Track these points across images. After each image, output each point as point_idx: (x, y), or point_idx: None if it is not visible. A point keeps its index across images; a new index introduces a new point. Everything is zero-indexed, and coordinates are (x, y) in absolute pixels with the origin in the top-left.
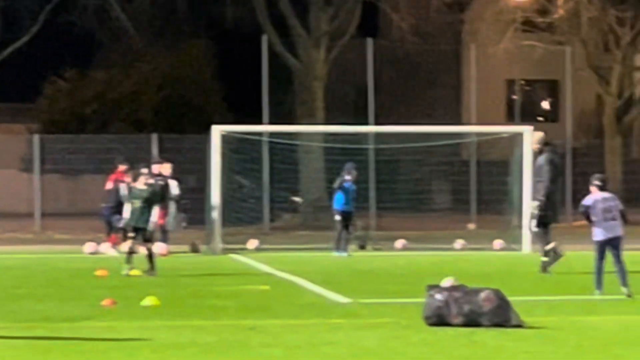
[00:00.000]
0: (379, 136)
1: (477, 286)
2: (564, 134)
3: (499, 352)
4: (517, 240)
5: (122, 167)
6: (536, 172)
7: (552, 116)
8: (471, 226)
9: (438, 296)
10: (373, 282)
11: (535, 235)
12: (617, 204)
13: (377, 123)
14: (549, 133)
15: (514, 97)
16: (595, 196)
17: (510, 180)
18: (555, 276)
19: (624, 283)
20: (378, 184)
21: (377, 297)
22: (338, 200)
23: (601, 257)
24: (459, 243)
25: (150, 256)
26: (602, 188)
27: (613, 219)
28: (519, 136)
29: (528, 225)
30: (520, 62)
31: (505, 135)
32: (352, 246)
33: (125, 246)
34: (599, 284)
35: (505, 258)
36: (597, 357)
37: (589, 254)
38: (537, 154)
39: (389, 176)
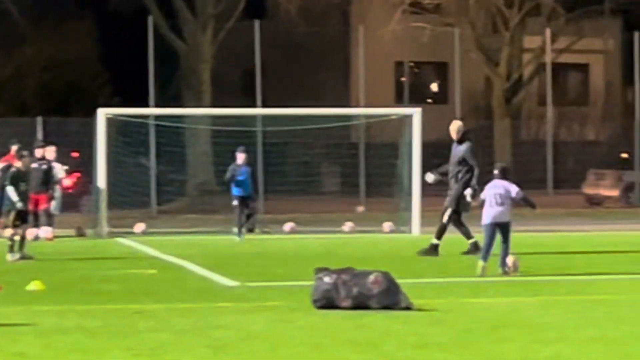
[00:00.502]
0: (266, 119)
1: (366, 269)
2: (453, 116)
3: (388, 335)
4: (406, 222)
5: (13, 149)
6: (456, 161)
7: (441, 98)
8: (360, 209)
9: (326, 279)
10: (261, 266)
11: (451, 224)
12: (509, 192)
13: (264, 105)
14: (438, 115)
15: (403, 79)
16: (491, 183)
17: (400, 162)
18: (444, 258)
19: (502, 264)
20: (266, 167)
21: (265, 280)
22: (234, 189)
23: (489, 238)
24: (347, 226)
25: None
26: (499, 176)
27: (500, 204)
28: (407, 118)
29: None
30: (409, 44)
31: (394, 117)
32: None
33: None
34: (485, 255)
35: (394, 241)
36: (486, 339)
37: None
38: (457, 142)
39: (277, 159)
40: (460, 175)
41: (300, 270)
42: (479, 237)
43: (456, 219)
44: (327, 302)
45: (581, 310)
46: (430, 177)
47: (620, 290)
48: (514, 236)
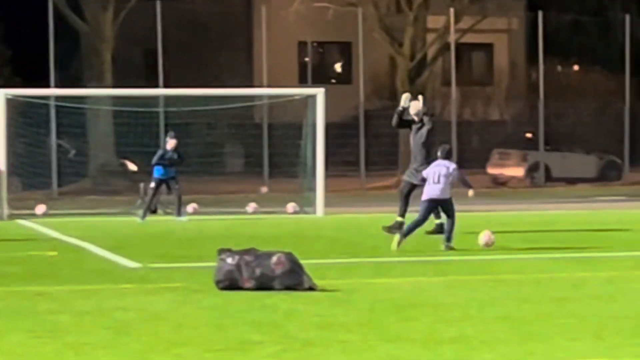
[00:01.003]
0: (169, 99)
1: (269, 250)
2: (357, 96)
3: (291, 316)
4: (310, 203)
5: None
6: (417, 141)
7: (345, 78)
8: (264, 190)
9: (229, 260)
10: (164, 247)
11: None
12: (447, 171)
13: (167, 86)
14: (342, 95)
15: (307, 59)
16: (434, 162)
17: (303, 143)
18: (349, 238)
19: (447, 239)
20: None
21: (168, 261)
22: (157, 170)
23: (422, 215)
24: (251, 207)
25: None
26: (442, 156)
27: (438, 182)
28: (311, 98)
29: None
30: (312, 24)
31: (297, 97)
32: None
33: None
34: (408, 231)
35: (298, 221)
36: (390, 319)
37: (382, 217)
38: (418, 123)
39: (179, 139)
40: (418, 157)
41: (203, 251)
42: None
43: (407, 193)
44: (230, 283)
45: (485, 289)
46: (404, 99)
47: (523, 270)
48: (412, 216)
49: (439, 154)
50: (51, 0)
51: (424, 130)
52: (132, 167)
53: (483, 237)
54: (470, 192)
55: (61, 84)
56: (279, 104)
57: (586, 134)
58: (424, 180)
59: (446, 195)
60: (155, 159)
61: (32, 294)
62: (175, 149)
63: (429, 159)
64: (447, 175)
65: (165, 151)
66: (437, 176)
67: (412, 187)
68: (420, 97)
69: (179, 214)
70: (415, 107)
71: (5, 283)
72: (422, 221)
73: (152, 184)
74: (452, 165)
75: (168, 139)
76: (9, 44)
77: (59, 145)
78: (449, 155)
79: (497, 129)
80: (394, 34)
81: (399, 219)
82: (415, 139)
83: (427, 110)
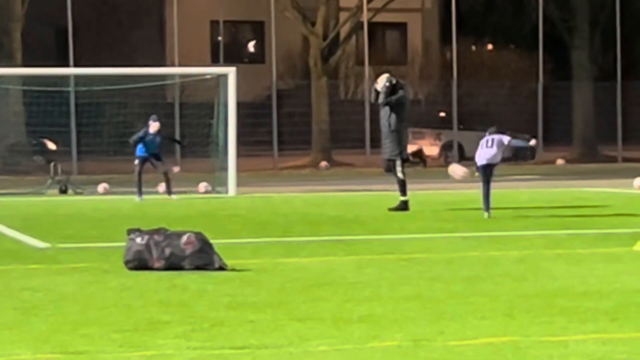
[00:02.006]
0: (80, 79)
1: (180, 229)
2: (270, 76)
3: (201, 296)
4: (223, 183)
5: None
6: (383, 115)
7: (258, 58)
8: (176, 169)
9: (138, 240)
10: (73, 227)
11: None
12: (500, 140)
13: (78, 65)
14: (255, 75)
15: (219, 38)
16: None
17: (215, 122)
18: (261, 218)
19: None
20: (79, 127)
21: (77, 242)
22: (139, 149)
23: (485, 179)
24: (162, 187)
25: None
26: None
27: (490, 147)
28: (223, 78)
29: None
30: (224, 3)
31: (209, 77)
32: (55, 191)
33: None
34: (487, 205)
35: (210, 201)
36: (299, 298)
37: (295, 196)
38: (387, 94)
39: (91, 119)
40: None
41: (114, 231)
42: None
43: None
44: (139, 263)
45: (396, 269)
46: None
47: (435, 249)
48: (327, 196)
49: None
50: None
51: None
52: (51, 146)
53: (456, 170)
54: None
55: None
56: (191, 83)
57: (500, 113)
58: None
59: (497, 160)
60: (134, 139)
61: None
62: (158, 132)
63: (398, 130)
64: (500, 142)
65: (147, 134)
66: (490, 142)
67: (390, 162)
68: (386, 74)
69: (169, 192)
70: (380, 81)
71: None
72: (487, 185)
73: (136, 161)
74: (507, 138)
75: (151, 122)
76: None
77: None
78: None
79: (411, 108)
80: (306, 13)
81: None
82: (381, 113)
83: (393, 85)
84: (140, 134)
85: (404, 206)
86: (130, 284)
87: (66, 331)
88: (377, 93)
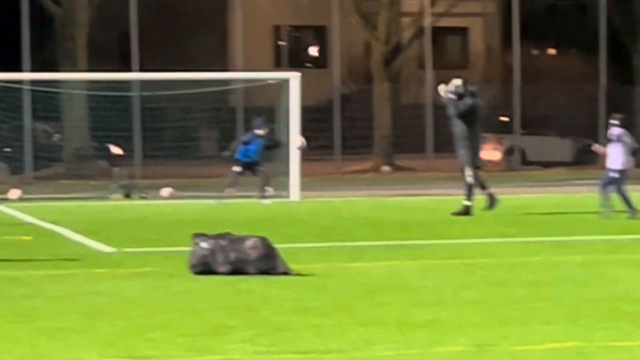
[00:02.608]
0: (144, 83)
1: (244, 234)
2: (332, 81)
3: (266, 300)
4: (285, 187)
5: None
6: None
7: (320, 63)
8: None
9: (204, 244)
10: (138, 231)
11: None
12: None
13: (142, 70)
14: (317, 80)
15: (282, 43)
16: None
17: (278, 127)
18: (324, 223)
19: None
20: (144, 132)
21: (142, 246)
22: (240, 153)
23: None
24: (226, 191)
25: None
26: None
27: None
28: (286, 83)
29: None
30: (287, 7)
31: (272, 81)
32: (119, 195)
33: None
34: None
35: (273, 205)
36: (363, 302)
37: (357, 201)
38: (457, 99)
39: (154, 124)
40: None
41: (178, 235)
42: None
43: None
44: (204, 267)
45: (459, 273)
46: (442, 89)
47: (497, 254)
48: (389, 200)
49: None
50: None
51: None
52: (115, 150)
53: None
54: None
55: (35, 68)
56: (254, 88)
57: (561, 118)
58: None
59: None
60: (235, 144)
61: (6, 278)
62: (266, 135)
63: (468, 137)
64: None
65: (255, 135)
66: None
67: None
68: (458, 79)
69: (262, 196)
70: (449, 87)
71: None
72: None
73: (238, 168)
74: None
75: (257, 123)
76: None
77: (44, 130)
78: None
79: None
80: (369, 18)
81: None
82: (453, 120)
83: (465, 89)
84: (248, 134)
85: (466, 211)
86: (195, 289)
87: (132, 335)
88: (453, 99)
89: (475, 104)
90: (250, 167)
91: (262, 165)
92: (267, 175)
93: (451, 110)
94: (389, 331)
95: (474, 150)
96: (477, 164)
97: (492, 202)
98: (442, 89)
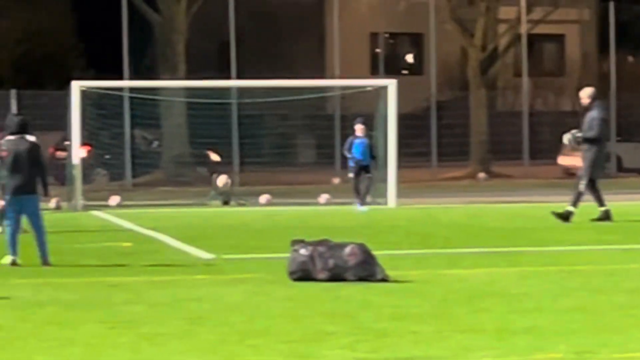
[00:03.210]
0: (242, 90)
1: (342, 241)
2: (428, 88)
3: (365, 306)
4: (382, 194)
5: None
6: (586, 127)
7: (417, 69)
8: (336, 180)
9: (303, 251)
10: (237, 238)
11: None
12: None
13: (239, 77)
14: (413, 86)
15: (378, 50)
16: None
17: (375, 134)
18: (422, 229)
19: None
20: (241, 139)
21: (242, 252)
22: (352, 158)
23: None
24: (323, 197)
25: None
26: None
27: None
28: (383, 89)
29: (578, 183)
30: (384, 15)
31: (369, 88)
32: (217, 202)
33: None
34: None
35: (370, 212)
36: (462, 309)
37: (454, 207)
38: (586, 108)
39: (252, 131)
40: (582, 141)
41: (276, 242)
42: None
43: (591, 186)
44: (303, 274)
45: (558, 280)
46: (565, 138)
47: (596, 261)
48: (486, 207)
49: None
50: None
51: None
52: (215, 157)
53: None
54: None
55: (135, 75)
56: (351, 95)
57: None
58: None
59: None
60: (346, 146)
61: (107, 285)
62: (365, 135)
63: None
64: None
65: (355, 137)
66: None
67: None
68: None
69: (361, 202)
70: (585, 93)
71: (80, 274)
72: None
73: (351, 174)
74: None
75: (356, 125)
76: (83, 35)
77: (143, 137)
78: None
79: (568, 119)
80: (465, 25)
81: (602, 208)
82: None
83: (597, 96)
84: (349, 139)
85: (566, 215)
86: (295, 295)
87: (233, 341)
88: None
89: (595, 117)
90: (361, 169)
91: (369, 172)
92: (370, 183)
93: (590, 133)
94: (487, 338)
95: (593, 164)
96: (595, 177)
97: (606, 216)
98: (566, 138)
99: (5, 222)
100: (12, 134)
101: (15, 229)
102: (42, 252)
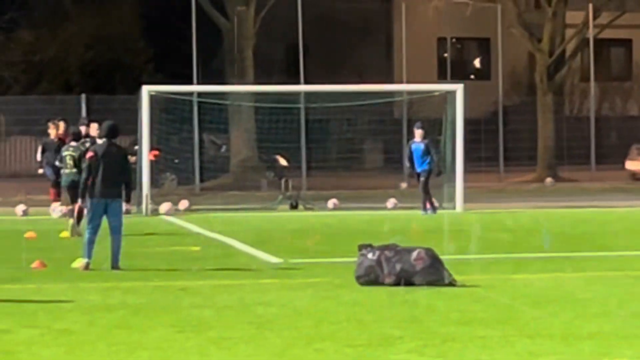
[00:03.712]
0: (309, 95)
1: (409, 245)
2: (495, 92)
3: (432, 311)
4: (450, 198)
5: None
6: None
7: (484, 74)
8: (403, 185)
9: (370, 256)
10: (304, 242)
11: None
12: None
13: (307, 82)
14: (480, 91)
15: (445, 55)
16: None
17: (442, 139)
18: (488, 234)
19: None
20: (309, 144)
21: (309, 257)
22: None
23: None
24: (391, 202)
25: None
26: None
27: None
28: (450, 94)
29: None
30: (451, 20)
31: (436, 93)
32: (285, 206)
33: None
34: None
35: (437, 217)
36: (528, 314)
37: (521, 212)
38: None
39: (320, 135)
40: None
41: (344, 246)
42: None
43: None
44: (370, 278)
45: (624, 285)
46: None
47: None
48: (553, 212)
49: None
50: None
51: None
52: (283, 162)
53: None
54: None
55: (203, 80)
56: (419, 99)
57: None
58: None
59: None
60: (407, 157)
61: (175, 289)
62: (424, 138)
63: None
64: None
65: (414, 142)
66: None
67: None
68: None
69: (424, 209)
70: None
71: (149, 278)
72: None
73: (422, 179)
74: None
75: (415, 129)
76: (152, 40)
77: (211, 142)
78: None
79: (635, 124)
80: (532, 30)
81: None
82: None
83: None
84: (409, 143)
85: None
86: (362, 299)
87: (300, 345)
88: None
89: None
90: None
91: (424, 176)
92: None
93: None
94: (554, 343)
95: None
96: None
97: None
98: None
99: (87, 226)
100: (101, 137)
101: (95, 233)
102: (114, 256)
